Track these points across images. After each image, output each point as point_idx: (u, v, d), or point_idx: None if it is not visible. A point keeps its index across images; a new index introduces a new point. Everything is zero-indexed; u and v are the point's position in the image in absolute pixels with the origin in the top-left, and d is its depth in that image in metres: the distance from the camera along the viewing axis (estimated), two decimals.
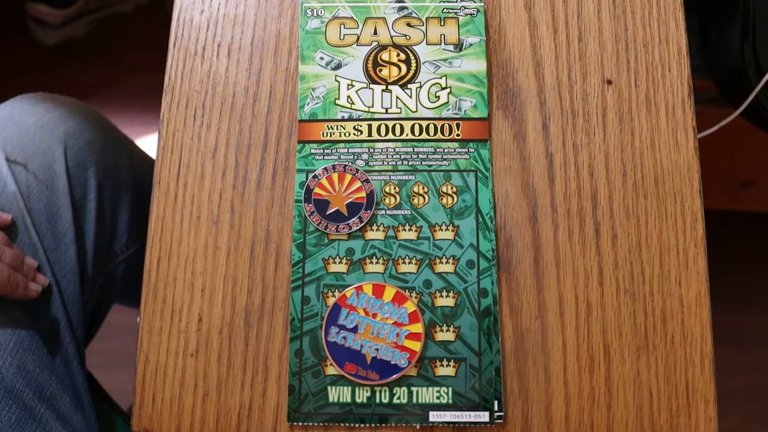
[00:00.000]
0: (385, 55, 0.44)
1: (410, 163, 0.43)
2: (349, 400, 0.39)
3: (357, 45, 0.44)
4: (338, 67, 0.44)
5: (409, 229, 0.42)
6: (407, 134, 0.43)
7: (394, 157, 0.43)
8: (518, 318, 0.41)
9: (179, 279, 0.41)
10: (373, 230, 0.42)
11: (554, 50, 0.44)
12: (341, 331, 0.40)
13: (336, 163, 0.43)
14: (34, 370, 0.47)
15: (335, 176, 0.42)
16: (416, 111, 0.43)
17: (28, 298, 0.48)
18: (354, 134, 0.43)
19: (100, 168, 0.58)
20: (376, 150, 0.43)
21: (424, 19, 0.45)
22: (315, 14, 0.45)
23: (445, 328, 0.40)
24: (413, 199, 0.42)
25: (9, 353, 0.46)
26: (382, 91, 0.44)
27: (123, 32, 1.24)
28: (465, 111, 0.43)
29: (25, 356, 0.47)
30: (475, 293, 0.41)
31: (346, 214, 0.42)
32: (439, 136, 0.43)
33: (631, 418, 0.39)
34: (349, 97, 0.44)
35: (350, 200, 0.42)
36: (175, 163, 0.43)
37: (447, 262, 0.41)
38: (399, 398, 0.40)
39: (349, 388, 0.40)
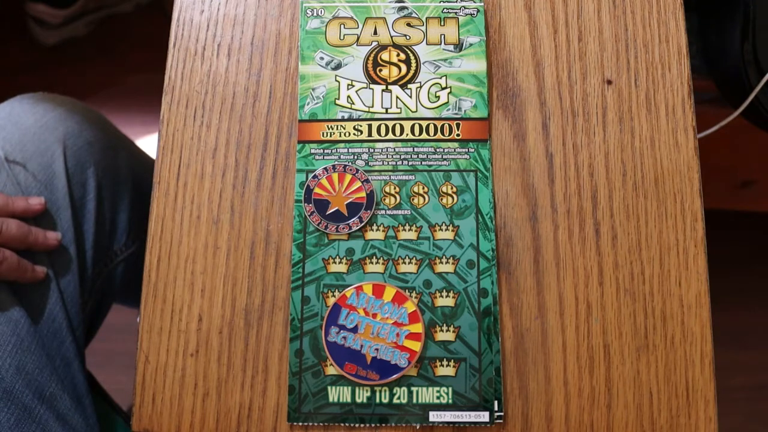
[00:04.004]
0: (385, 55, 0.44)
1: (410, 163, 0.43)
2: (349, 400, 0.39)
3: (357, 45, 0.44)
4: (338, 67, 0.44)
5: (409, 229, 0.42)
6: (407, 134, 0.43)
7: (394, 157, 0.43)
8: (518, 318, 0.41)
9: (179, 279, 0.41)
10: (373, 230, 0.42)
11: (554, 50, 0.44)
12: (341, 331, 0.40)
13: (336, 163, 0.43)
14: (34, 370, 0.47)
15: (335, 176, 0.42)
16: (416, 111, 0.43)
17: (37, 281, 0.51)
18: (354, 134, 0.43)
19: (99, 168, 0.58)
20: (376, 150, 0.43)
21: (424, 19, 0.45)
22: (315, 14, 0.45)
23: (445, 328, 0.40)
24: (413, 199, 0.42)
25: (8, 354, 0.46)
26: (382, 91, 0.44)
27: (123, 32, 1.24)
28: (465, 111, 0.43)
29: (25, 357, 0.47)
30: (475, 293, 0.41)
31: (346, 214, 0.42)
32: (439, 136, 0.43)
33: (631, 418, 0.39)
34: (349, 97, 0.44)
35: (350, 200, 0.42)
36: (175, 163, 0.43)
37: (447, 262, 0.41)
38: (399, 398, 0.40)
39: (349, 388, 0.40)
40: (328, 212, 0.42)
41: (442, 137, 0.43)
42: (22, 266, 0.49)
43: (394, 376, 0.39)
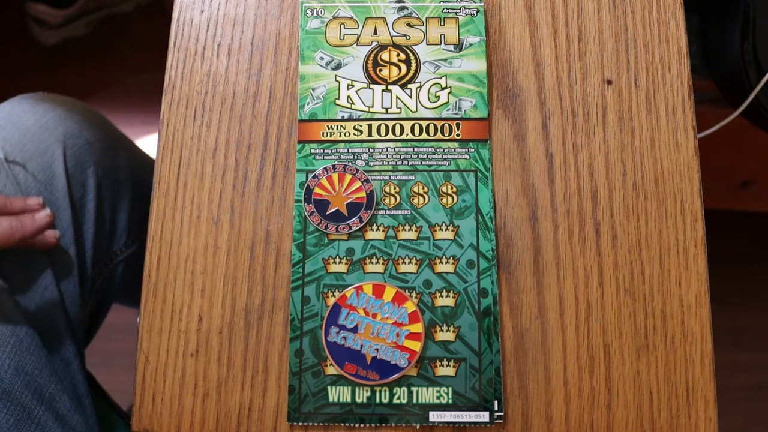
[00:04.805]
0: (385, 55, 0.44)
1: (410, 163, 0.43)
2: (349, 400, 0.39)
3: (357, 45, 0.44)
4: (338, 67, 0.44)
5: (409, 229, 0.42)
6: (407, 134, 0.43)
7: (394, 157, 0.43)
8: (518, 318, 0.41)
9: (179, 279, 0.41)
10: (373, 230, 0.42)
11: (554, 50, 0.44)
12: (341, 331, 0.40)
13: (336, 163, 0.43)
14: (33, 371, 0.47)
15: (335, 176, 0.42)
16: (416, 111, 0.43)
17: (47, 246, 0.50)
18: (354, 134, 0.43)
19: (99, 168, 0.58)
20: (376, 150, 0.43)
21: (424, 19, 0.45)
22: (315, 14, 0.45)
23: (445, 328, 0.40)
24: (413, 199, 0.42)
25: (7, 355, 0.46)
26: (382, 91, 0.44)
27: (123, 32, 1.24)
28: (465, 111, 0.43)
29: (24, 357, 0.47)
30: (475, 293, 0.41)
31: (346, 214, 0.42)
32: (439, 136, 0.43)
33: (631, 418, 0.39)
34: (349, 97, 0.44)
35: (350, 200, 0.42)
36: (175, 163, 0.43)
37: (447, 262, 0.41)
38: (399, 398, 0.40)
39: (349, 388, 0.40)
40: (328, 212, 0.42)
41: (442, 137, 0.43)
42: (14, 225, 0.46)
43: (394, 376, 0.39)
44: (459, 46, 0.44)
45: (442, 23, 0.45)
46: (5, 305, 0.48)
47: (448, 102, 0.43)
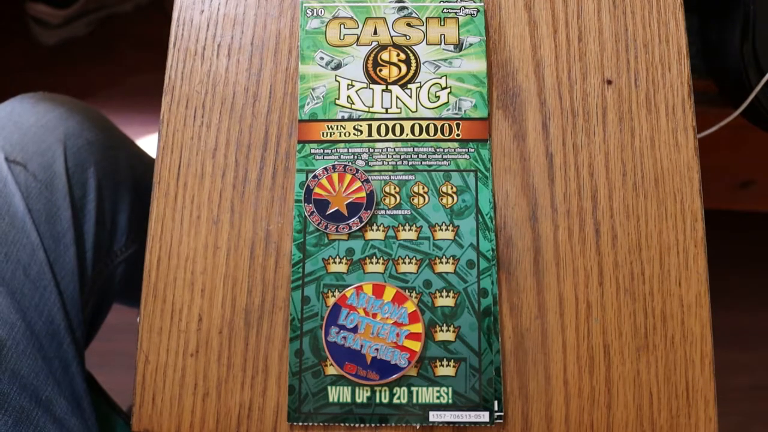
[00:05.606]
0: (385, 55, 0.44)
1: (410, 163, 0.43)
2: (349, 400, 0.39)
3: (357, 45, 0.44)
4: (338, 67, 0.44)
5: (409, 229, 0.42)
6: (407, 134, 0.43)
7: (394, 157, 0.43)
8: (518, 318, 0.41)
9: (179, 279, 0.41)
10: (373, 230, 0.42)
11: (554, 50, 0.44)
12: (341, 331, 0.40)
13: (336, 163, 0.43)
14: (29, 374, 0.47)
15: (335, 176, 0.42)
16: (416, 111, 0.43)
17: None
18: (354, 134, 0.43)
19: (99, 168, 0.58)
20: (376, 150, 0.43)
21: (424, 19, 0.45)
22: (315, 14, 0.45)
23: (445, 328, 0.40)
24: (413, 199, 0.42)
25: (3, 358, 0.46)
26: (382, 91, 0.44)
27: (123, 32, 1.24)
28: (465, 111, 0.43)
29: (20, 361, 0.47)
30: (475, 293, 0.41)
31: (346, 214, 0.42)
32: (439, 136, 0.43)
33: (631, 418, 0.39)
34: (349, 97, 0.44)
35: (350, 200, 0.42)
36: (175, 163, 0.43)
37: (447, 262, 0.41)
38: (399, 398, 0.40)
39: (349, 388, 0.40)
40: (328, 212, 0.42)
41: (442, 137, 0.43)
42: None
43: (394, 376, 0.39)
44: (459, 46, 0.44)
45: (442, 23, 0.45)
46: (2, 307, 0.48)
47: (448, 102, 0.43)
